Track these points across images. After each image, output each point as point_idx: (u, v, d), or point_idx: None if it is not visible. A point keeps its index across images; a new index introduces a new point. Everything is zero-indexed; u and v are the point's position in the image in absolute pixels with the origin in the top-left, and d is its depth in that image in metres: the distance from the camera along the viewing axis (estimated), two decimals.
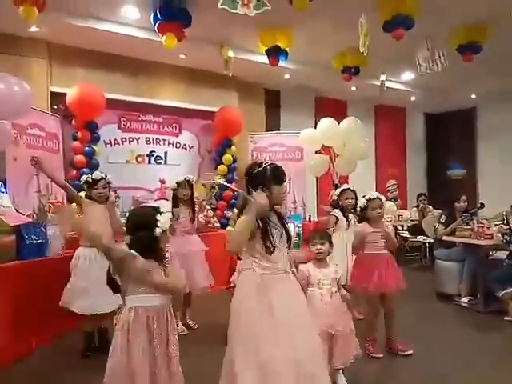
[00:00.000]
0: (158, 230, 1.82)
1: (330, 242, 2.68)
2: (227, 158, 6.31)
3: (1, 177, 4.20)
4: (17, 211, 3.78)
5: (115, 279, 1.85)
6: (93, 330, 3.35)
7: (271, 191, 2.04)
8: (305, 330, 2.02)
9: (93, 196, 3.34)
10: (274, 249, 2.01)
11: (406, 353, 3.25)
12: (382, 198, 3.30)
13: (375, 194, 3.27)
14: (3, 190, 3.92)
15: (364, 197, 3.31)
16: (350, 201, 4.03)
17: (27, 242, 3.50)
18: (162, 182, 6.11)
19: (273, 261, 2.03)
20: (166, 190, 6.02)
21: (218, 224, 5.94)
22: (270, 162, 2.13)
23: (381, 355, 3.20)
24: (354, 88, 7.42)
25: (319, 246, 2.63)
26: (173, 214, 3.72)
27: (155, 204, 1.98)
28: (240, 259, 2.23)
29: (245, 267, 2.08)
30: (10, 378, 2.96)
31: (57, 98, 5.35)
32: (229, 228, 6.04)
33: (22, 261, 3.42)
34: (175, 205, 3.87)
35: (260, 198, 1.95)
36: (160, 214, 1.86)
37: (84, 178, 3.43)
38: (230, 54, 5.34)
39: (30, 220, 3.71)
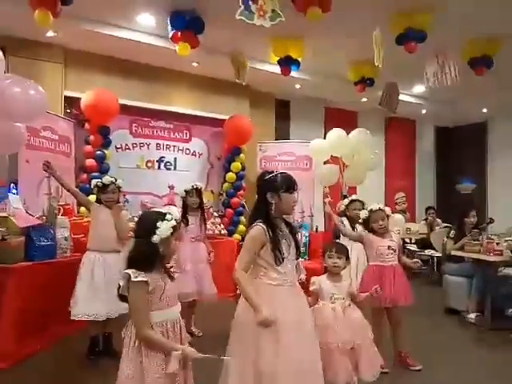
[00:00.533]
0: (155, 238, 1.74)
1: (347, 257, 2.63)
2: (236, 165, 6.34)
3: (13, 178, 4.26)
4: (27, 212, 3.83)
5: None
6: (98, 334, 3.35)
7: (281, 198, 2.04)
8: (306, 343, 2.01)
9: (102, 200, 3.35)
10: (282, 260, 2.01)
11: (416, 368, 3.20)
12: (387, 209, 3.22)
13: (377, 206, 3.19)
14: (14, 191, 3.98)
15: (366, 208, 3.27)
16: (358, 212, 4.00)
17: (36, 244, 3.52)
18: (171, 187, 6.15)
19: (281, 272, 2.02)
20: (175, 196, 6.07)
21: (224, 231, 5.94)
22: (282, 171, 2.15)
23: (387, 370, 3.15)
24: (364, 99, 7.43)
25: (336, 260, 2.57)
26: (183, 221, 3.77)
27: (165, 209, 1.92)
28: None
29: (252, 276, 2.08)
30: (13, 379, 2.95)
31: (70, 102, 5.43)
32: (236, 236, 6.04)
33: (29, 262, 3.45)
34: (185, 212, 3.88)
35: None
36: (163, 220, 1.78)
37: (94, 182, 3.43)
38: (245, 62, 5.30)
39: (40, 222, 3.75)
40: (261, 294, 1.98)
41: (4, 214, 3.46)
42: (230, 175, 6.34)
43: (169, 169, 6.33)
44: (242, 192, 6.38)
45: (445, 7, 4.27)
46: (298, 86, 6.87)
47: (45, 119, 4.55)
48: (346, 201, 4.22)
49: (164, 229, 1.76)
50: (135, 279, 1.69)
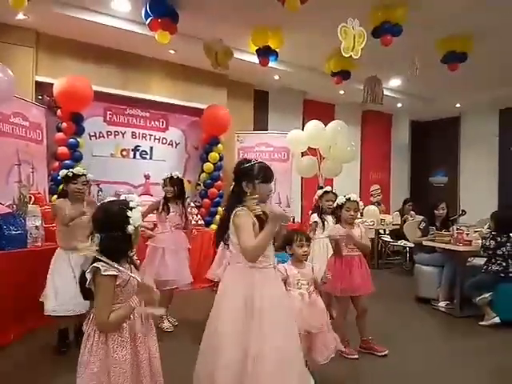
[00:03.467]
0: (130, 228, 1.71)
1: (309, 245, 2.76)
2: (213, 156, 6.29)
3: None
4: None
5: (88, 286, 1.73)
6: (66, 328, 3.29)
7: (255, 188, 2.07)
8: (288, 326, 2.06)
9: (70, 191, 3.23)
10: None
11: (383, 353, 3.30)
12: (361, 204, 3.35)
13: (355, 197, 3.31)
14: None
15: (345, 196, 3.34)
16: (330, 204, 4.03)
17: (5, 233, 3.43)
18: (147, 177, 6.07)
19: (265, 255, 2.05)
20: (151, 186, 6.00)
21: (201, 222, 5.92)
22: (259, 161, 2.16)
23: (356, 356, 3.23)
24: (342, 92, 7.49)
25: (306, 249, 2.68)
26: (164, 209, 3.78)
27: (123, 198, 1.81)
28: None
29: (234, 261, 2.09)
30: None
31: (42, 88, 5.27)
32: (213, 226, 6.03)
33: None
34: (166, 200, 3.88)
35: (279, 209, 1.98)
36: (130, 209, 1.74)
37: (64, 172, 3.28)
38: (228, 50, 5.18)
39: (9, 210, 3.64)
40: (245, 278, 2.01)
41: None
42: (208, 165, 6.30)
43: (144, 158, 6.23)
44: (219, 182, 6.36)
45: (420, 3, 4.32)
46: (276, 77, 6.85)
47: (15, 105, 4.40)
48: (320, 191, 4.25)
49: (136, 217, 1.73)
50: (105, 273, 1.65)
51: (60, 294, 3.09)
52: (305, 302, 2.58)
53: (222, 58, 5.17)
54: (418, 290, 5.02)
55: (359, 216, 3.48)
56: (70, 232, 3.15)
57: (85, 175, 3.27)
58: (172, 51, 5.79)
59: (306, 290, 2.62)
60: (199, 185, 6.46)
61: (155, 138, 6.34)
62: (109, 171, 5.63)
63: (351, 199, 3.27)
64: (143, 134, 6.22)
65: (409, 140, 10.07)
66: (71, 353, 3.12)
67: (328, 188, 4.25)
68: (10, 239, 3.44)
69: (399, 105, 8.57)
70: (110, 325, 1.67)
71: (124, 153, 6.06)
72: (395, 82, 7.46)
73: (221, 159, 6.38)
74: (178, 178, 3.94)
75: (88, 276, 1.68)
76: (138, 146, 6.17)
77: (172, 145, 6.50)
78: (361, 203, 3.35)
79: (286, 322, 2.05)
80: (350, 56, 4.23)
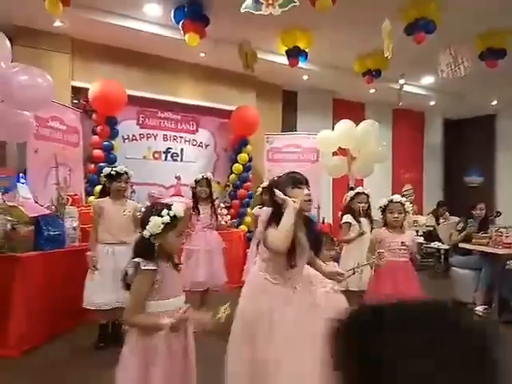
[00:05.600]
0: (145, 232, 1.72)
1: None
2: (243, 157, 6.32)
3: (21, 168, 4.29)
4: (36, 202, 3.86)
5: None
6: (107, 322, 3.39)
7: (288, 195, 1.96)
8: (296, 348, 1.92)
9: (112, 188, 3.37)
10: (292, 267, 1.95)
11: None
12: (407, 205, 3.14)
13: (398, 198, 3.14)
14: (23, 180, 4.00)
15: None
16: (363, 205, 3.91)
17: (45, 234, 3.55)
18: (178, 178, 6.16)
19: (285, 276, 1.98)
20: (181, 187, 6.08)
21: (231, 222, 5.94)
22: (288, 171, 2.14)
23: None
24: (372, 91, 7.37)
25: (333, 253, 2.81)
26: (194, 211, 3.83)
27: (173, 201, 1.94)
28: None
29: (256, 268, 2.08)
30: (24, 367, 2.99)
31: (78, 93, 5.43)
32: (242, 227, 6.06)
33: (39, 251, 3.48)
34: (196, 202, 3.92)
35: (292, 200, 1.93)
36: (157, 215, 1.72)
37: (107, 170, 3.42)
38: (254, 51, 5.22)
39: (49, 212, 3.78)
40: (260, 288, 1.99)
41: (13, 204, 3.49)
42: (237, 166, 6.33)
43: (175, 160, 6.33)
44: (248, 183, 6.38)
45: None
46: (305, 77, 6.81)
47: (53, 109, 4.56)
48: (352, 193, 4.15)
49: (153, 225, 1.71)
50: (144, 267, 1.70)
51: (98, 288, 3.20)
52: (329, 298, 2.55)
53: (250, 59, 5.20)
54: (454, 294, 4.86)
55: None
56: (108, 227, 3.31)
57: (127, 173, 3.40)
58: (202, 54, 5.85)
59: (330, 288, 2.60)
60: (228, 186, 6.50)
61: (185, 140, 6.42)
62: (141, 173, 5.74)
63: (393, 200, 3.10)
64: (174, 136, 6.32)
65: (442, 139, 9.80)
66: (110, 349, 3.18)
67: (360, 189, 4.15)
68: (49, 240, 3.56)
69: (432, 102, 8.35)
70: (132, 324, 1.75)
71: (156, 155, 6.17)
72: (428, 80, 7.27)
73: (250, 160, 6.41)
74: (209, 178, 4.00)
75: (130, 271, 1.74)
76: (169, 148, 6.28)
77: (202, 146, 6.57)
78: (408, 205, 3.14)
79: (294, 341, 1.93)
80: (387, 56, 4.16)
